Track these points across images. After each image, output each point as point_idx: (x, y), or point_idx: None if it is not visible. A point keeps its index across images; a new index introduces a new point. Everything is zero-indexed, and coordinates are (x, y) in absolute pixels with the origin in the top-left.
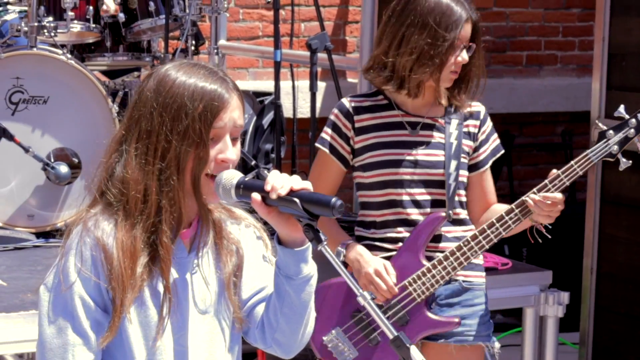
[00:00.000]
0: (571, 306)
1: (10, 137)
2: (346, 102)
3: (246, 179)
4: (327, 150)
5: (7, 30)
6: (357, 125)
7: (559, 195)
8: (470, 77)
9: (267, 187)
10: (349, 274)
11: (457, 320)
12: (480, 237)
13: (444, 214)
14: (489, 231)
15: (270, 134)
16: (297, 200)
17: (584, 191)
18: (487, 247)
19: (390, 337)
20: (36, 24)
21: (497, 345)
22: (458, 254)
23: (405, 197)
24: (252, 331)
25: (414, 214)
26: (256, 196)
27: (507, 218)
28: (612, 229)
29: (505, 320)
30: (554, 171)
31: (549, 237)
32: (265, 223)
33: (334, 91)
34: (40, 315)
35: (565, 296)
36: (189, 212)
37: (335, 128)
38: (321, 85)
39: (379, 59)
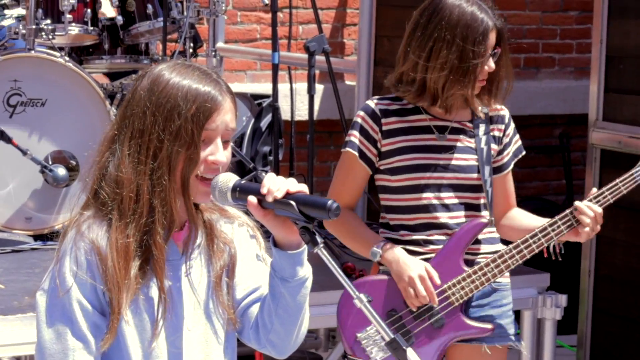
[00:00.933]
0: (569, 309)
1: (8, 140)
2: (372, 104)
3: (242, 181)
4: (356, 154)
5: (5, 33)
6: (384, 128)
7: (600, 210)
8: (498, 81)
9: (263, 190)
10: (346, 276)
11: (490, 327)
12: (522, 246)
13: (485, 220)
14: (531, 241)
15: (268, 136)
16: (293, 202)
17: (581, 194)
18: (528, 256)
19: (387, 339)
20: (34, 26)
21: (523, 344)
22: (499, 261)
23: (435, 202)
24: (246, 331)
25: (444, 217)
26: (252, 199)
27: (549, 229)
28: (610, 231)
29: None
30: (594, 190)
31: (560, 259)
32: (261, 225)
33: (332, 94)
34: (38, 321)
35: (563, 299)
36: (181, 213)
37: (362, 131)
38: (319, 88)
39: (407, 74)
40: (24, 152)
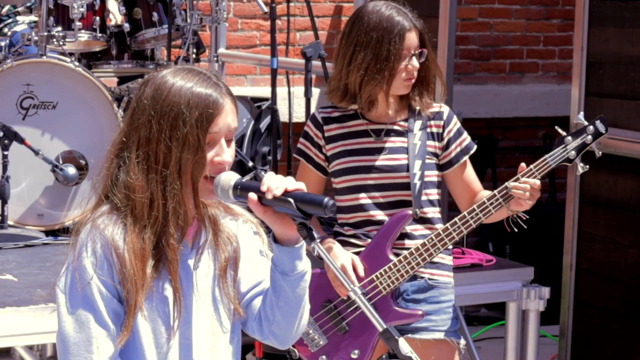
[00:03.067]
0: (552, 301)
1: (21, 141)
2: (316, 113)
3: (243, 180)
4: (304, 160)
5: (18, 40)
6: (326, 134)
7: (537, 182)
8: (427, 79)
9: (263, 188)
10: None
11: (420, 312)
12: (443, 234)
13: (410, 212)
14: (458, 225)
15: (267, 137)
16: (291, 200)
17: (563, 192)
18: (449, 244)
19: (380, 329)
20: (46, 33)
21: (462, 341)
22: (422, 250)
23: (369, 201)
24: (250, 323)
25: (379, 215)
26: (253, 196)
27: (477, 211)
28: (590, 228)
29: (489, 314)
30: (523, 165)
31: (525, 227)
32: (261, 221)
33: None
34: (60, 313)
35: (546, 291)
36: (191, 212)
37: (308, 138)
38: (315, 91)
39: (334, 80)
40: (36, 152)
